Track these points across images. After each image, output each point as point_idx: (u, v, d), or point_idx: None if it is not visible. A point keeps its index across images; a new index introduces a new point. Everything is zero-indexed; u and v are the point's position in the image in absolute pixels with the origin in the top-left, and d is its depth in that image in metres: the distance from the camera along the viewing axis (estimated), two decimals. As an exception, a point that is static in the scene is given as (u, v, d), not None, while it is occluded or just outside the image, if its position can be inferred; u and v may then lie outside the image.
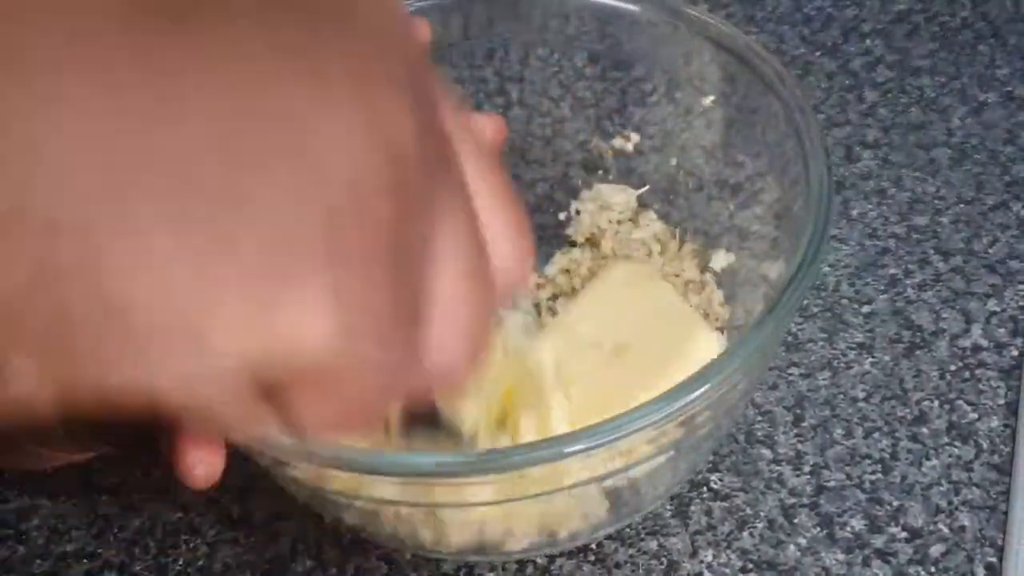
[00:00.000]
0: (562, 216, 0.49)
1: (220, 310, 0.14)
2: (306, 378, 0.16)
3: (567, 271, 0.48)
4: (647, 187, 0.48)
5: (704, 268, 0.45)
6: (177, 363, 0.14)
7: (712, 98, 0.43)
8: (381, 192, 0.15)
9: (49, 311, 0.13)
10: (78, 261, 0.13)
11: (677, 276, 0.45)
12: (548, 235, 0.50)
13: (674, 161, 0.47)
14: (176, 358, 0.14)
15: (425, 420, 0.37)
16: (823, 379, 0.45)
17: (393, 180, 0.15)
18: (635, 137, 0.47)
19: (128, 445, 0.37)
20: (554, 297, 0.47)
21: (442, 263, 0.17)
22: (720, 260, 0.45)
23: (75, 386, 0.14)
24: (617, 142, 0.48)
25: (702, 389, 0.31)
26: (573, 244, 0.49)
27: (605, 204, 0.48)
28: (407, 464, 0.31)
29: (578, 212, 0.49)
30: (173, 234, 0.13)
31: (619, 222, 0.48)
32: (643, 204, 0.48)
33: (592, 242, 0.48)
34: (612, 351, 0.39)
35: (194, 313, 0.14)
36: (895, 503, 0.41)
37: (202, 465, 0.30)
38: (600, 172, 0.49)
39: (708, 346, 0.39)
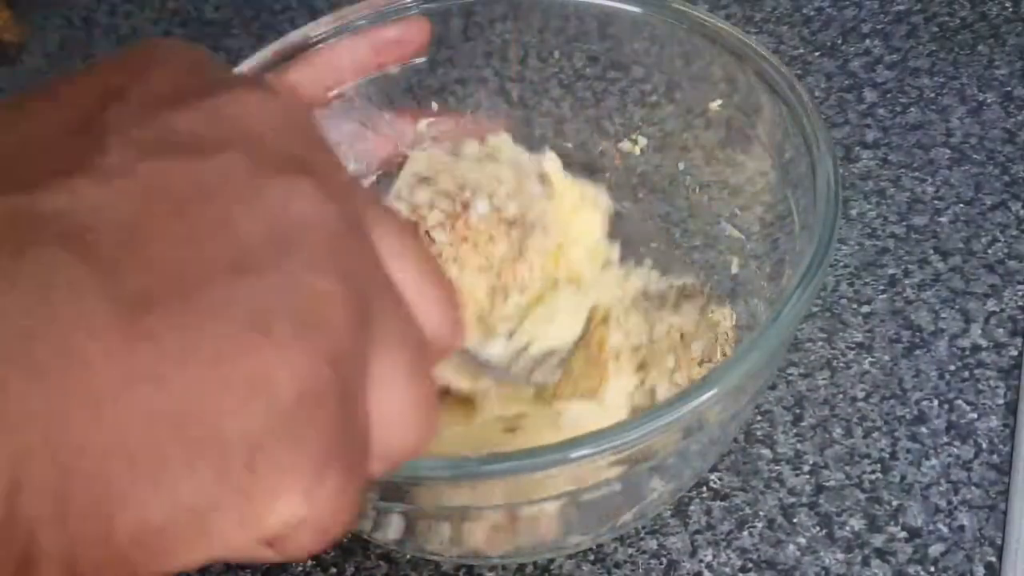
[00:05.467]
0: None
1: (220, 521, 0.18)
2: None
3: None
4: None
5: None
6: (192, 557, 0.19)
7: (720, 102, 0.43)
8: (325, 392, 0.19)
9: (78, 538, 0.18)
10: (96, 501, 0.17)
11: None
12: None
13: (674, 162, 0.47)
14: (191, 555, 0.19)
15: None
16: (822, 379, 0.45)
17: (333, 375, 0.19)
18: (643, 141, 0.47)
19: None
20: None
21: (385, 382, 0.21)
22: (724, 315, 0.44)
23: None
24: (624, 145, 0.48)
25: (709, 393, 0.31)
26: None
27: None
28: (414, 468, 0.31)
29: None
30: (183, 470, 0.18)
31: None
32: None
33: None
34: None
35: (200, 528, 0.18)
36: (894, 502, 0.41)
37: None
38: (606, 174, 0.49)
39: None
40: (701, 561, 0.40)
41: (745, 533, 0.41)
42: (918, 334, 0.46)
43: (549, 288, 0.42)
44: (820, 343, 0.46)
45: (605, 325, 0.42)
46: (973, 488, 0.41)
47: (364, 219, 0.22)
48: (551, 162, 0.44)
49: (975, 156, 0.53)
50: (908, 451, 0.42)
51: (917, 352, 0.45)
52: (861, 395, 0.44)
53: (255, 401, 0.19)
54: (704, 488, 0.42)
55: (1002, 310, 0.47)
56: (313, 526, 0.20)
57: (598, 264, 0.45)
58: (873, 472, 0.42)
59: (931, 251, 0.49)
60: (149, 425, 0.18)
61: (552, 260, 0.42)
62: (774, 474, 0.42)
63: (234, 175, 0.20)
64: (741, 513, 0.41)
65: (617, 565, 0.40)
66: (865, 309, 0.47)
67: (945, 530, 0.40)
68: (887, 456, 0.42)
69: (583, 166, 0.49)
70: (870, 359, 0.45)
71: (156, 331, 0.18)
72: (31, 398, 0.17)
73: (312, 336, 0.19)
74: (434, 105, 0.47)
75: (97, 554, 0.18)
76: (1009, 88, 0.55)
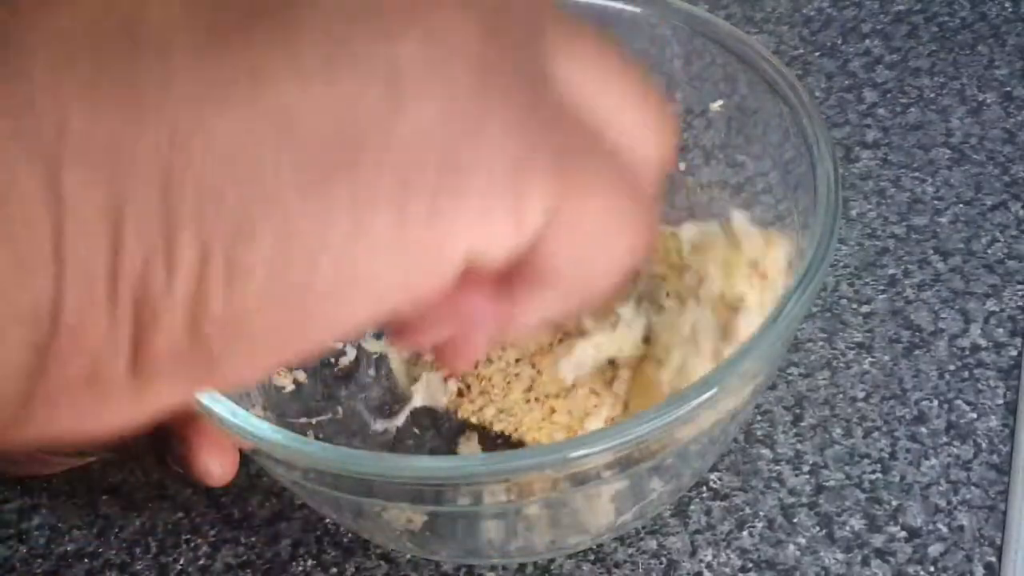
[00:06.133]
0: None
1: (389, 261, 0.15)
2: (548, 248, 0.17)
3: None
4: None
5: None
6: (349, 311, 0.16)
7: (720, 102, 0.43)
8: (502, 63, 0.16)
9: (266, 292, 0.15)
10: (274, 249, 0.15)
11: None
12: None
13: (674, 162, 0.47)
14: (349, 307, 0.16)
15: None
16: (822, 379, 0.45)
17: (499, 46, 0.16)
18: None
19: (130, 449, 0.37)
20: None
21: (582, 62, 0.18)
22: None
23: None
24: None
25: (709, 394, 0.31)
26: None
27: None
28: (412, 469, 0.31)
29: None
30: (338, 189, 0.15)
31: None
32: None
33: None
34: None
35: (355, 267, 0.15)
36: (894, 503, 0.41)
37: (216, 465, 0.32)
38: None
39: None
40: (701, 561, 0.40)
41: (745, 533, 0.41)
42: (918, 334, 0.46)
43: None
44: (820, 343, 0.46)
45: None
46: (973, 488, 0.41)
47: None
48: None
49: (975, 156, 0.53)
50: (908, 451, 0.42)
51: (917, 352, 0.45)
52: (861, 395, 0.44)
53: (430, 94, 0.15)
54: (704, 488, 0.42)
55: (1002, 310, 0.47)
56: (565, 235, 0.17)
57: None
58: (873, 472, 0.42)
59: (931, 251, 0.49)
60: (292, 130, 0.15)
61: None
62: (774, 474, 0.42)
63: None
64: (741, 513, 0.41)
65: (617, 565, 0.40)
66: (865, 309, 0.47)
67: (945, 530, 0.40)
68: (887, 456, 0.42)
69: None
70: (870, 359, 0.45)
71: (294, 15, 0.15)
72: (147, 85, 0.14)
73: (463, 9, 0.16)
74: None
75: (223, 307, 0.15)
76: (1009, 88, 0.55)
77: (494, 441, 0.41)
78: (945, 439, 0.43)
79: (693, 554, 0.40)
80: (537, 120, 0.17)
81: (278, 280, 0.15)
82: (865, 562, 0.39)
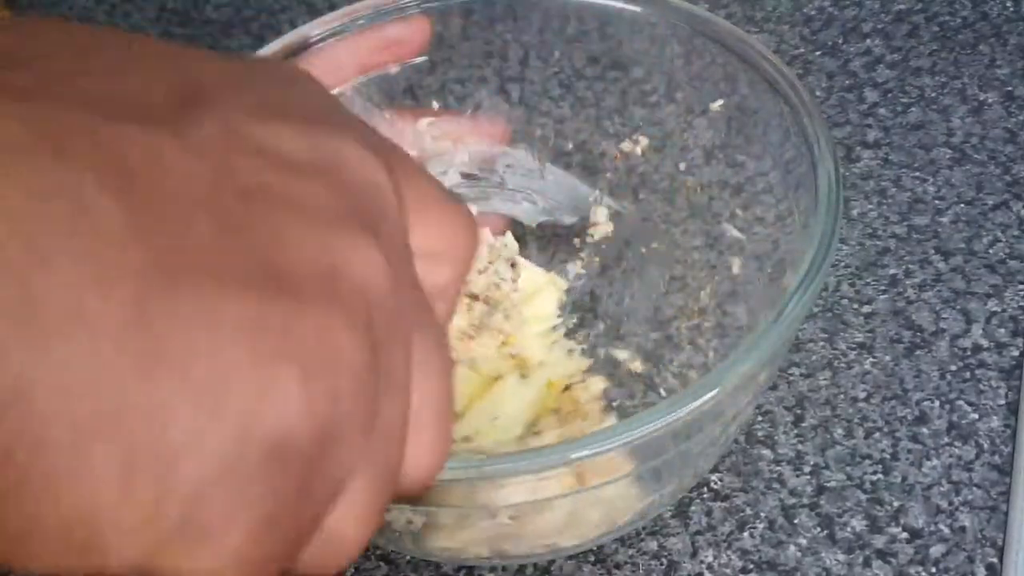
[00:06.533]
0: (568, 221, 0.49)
1: (119, 546, 0.17)
2: None
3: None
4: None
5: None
6: (67, 568, 0.17)
7: (720, 102, 0.43)
8: (297, 458, 0.18)
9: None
10: (26, 475, 0.16)
11: None
12: (547, 235, 0.50)
13: (674, 162, 0.47)
14: (65, 566, 0.17)
15: None
16: (823, 379, 0.45)
17: (313, 447, 0.18)
18: (643, 141, 0.47)
19: None
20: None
21: (348, 499, 0.20)
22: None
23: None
24: (625, 145, 0.48)
25: (709, 394, 0.31)
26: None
27: None
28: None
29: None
30: (120, 477, 0.16)
31: None
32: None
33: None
34: None
35: (92, 542, 0.17)
36: (896, 503, 0.41)
37: None
38: (606, 174, 0.49)
39: None
40: (702, 562, 0.40)
41: (746, 534, 0.41)
42: (919, 334, 0.46)
43: (496, 378, 0.42)
44: (821, 343, 0.46)
45: (569, 391, 0.43)
46: (974, 489, 0.41)
47: (412, 312, 0.21)
48: (510, 245, 0.44)
49: (976, 156, 0.53)
50: (909, 452, 0.42)
51: (918, 352, 0.45)
52: (862, 395, 0.44)
53: (225, 439, 0.17)
54: (705, 489, 0.42)
55: (1003, 310, 0.47)
56: None
57: (549, 343, 0.45)
58: (874, 473, 0.42)
59: (932, 251, 0.49)
60: (114, 413, 0.16)
61: (505, 342, 0.42)
62: (775, 475, 0.42)
63: (311, 205, 0.19)
64: (742, 514, 0.41)
65: (617, 566, 0.40)
66: (866, 309, 0.47)
67: (946, 531, 0.40)
68: (888, 457, 0.42)
69: (583, 166, 0.49)
70: (871, 359, 0.45)
71: (169, 309, 0.16)
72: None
73: (315, 396, 0.18)
74: (434, 105, 0.47)
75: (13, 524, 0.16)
76: (1010, 88, 0.55)
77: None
78: (947, 440, 0.43)
79: (694, 555, 0.40)
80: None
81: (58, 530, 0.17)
82: (866, 563, 0.39)
